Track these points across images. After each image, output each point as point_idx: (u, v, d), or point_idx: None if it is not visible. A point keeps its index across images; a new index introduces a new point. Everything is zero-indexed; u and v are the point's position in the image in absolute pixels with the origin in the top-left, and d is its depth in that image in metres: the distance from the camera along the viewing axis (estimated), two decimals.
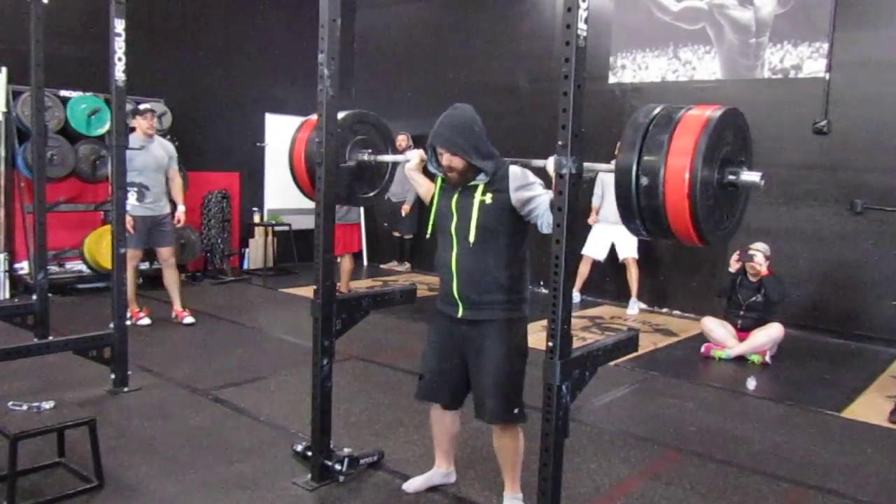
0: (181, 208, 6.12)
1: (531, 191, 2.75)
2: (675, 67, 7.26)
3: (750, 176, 2.26)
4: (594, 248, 7.27)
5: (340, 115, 3.25)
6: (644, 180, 2.15)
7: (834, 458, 3.82)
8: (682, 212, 2.13)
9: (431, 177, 3.07)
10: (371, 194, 3.66)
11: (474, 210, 2.80)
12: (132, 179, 5.72)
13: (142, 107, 5.97)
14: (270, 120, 9.24)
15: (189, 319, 6.12)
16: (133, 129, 5.93)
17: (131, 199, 5.68)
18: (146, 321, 5.98)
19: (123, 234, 4.43)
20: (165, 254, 6.08)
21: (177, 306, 6.15)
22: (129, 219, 5.50)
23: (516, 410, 2.84)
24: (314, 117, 3.22)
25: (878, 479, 3.59)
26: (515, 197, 2.76)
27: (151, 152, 5.88)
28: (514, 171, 2.80)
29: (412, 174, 3.13)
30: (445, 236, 2.91)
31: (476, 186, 2.81)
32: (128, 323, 4.65)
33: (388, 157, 3.51)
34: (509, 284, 2.83)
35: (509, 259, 2.83)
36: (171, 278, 6.14)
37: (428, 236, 3.02)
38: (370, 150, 3.47)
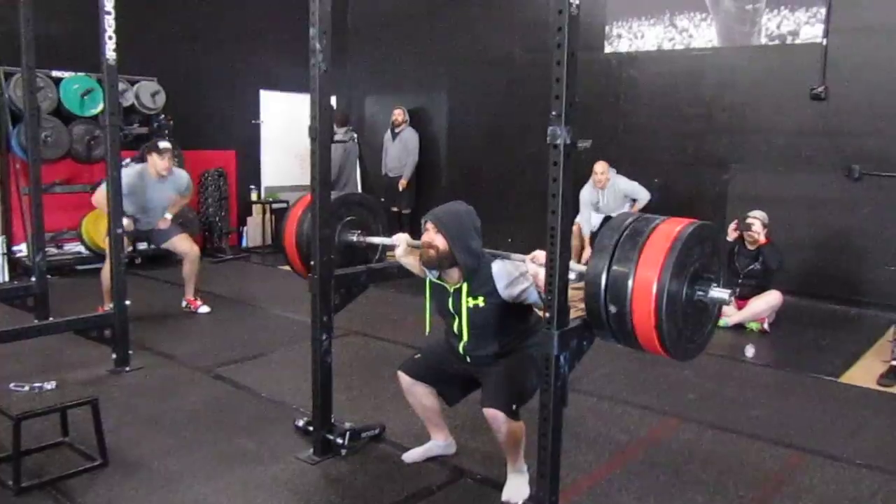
0: (168, 216, 5.63)
1: (519, 285, 2.85)
2: (672, 35, 7.18)
3: (718, 293, 2.32)
4: (584, 219, 7.19)
5: None
6: (612, 308, 2.25)
7: (832, 423, 3.85)
8: (651, 339, 2.25)
9: None
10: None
11: (465, 315, 2.92)
12: (126, 209, 5.02)
13: (161, 144, 5.52)
14: (265, 96, 9.18)
15: (204, 309, 5.80)
16: (143, 159, 5.57)
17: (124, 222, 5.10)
18: None
19: (120, 215, 4.42)
20: (177, 243, 5.72)
21: (189, 295, 5.85)
22: (126, 221, 5.02)
23: (515, 406, 2.83)
24: (307, 196, 3.29)
25: (876, 442, 3.62)
26: (506, 294, 2.88)
27: (160, 192, 5.52)
28: (497, 270, 2.88)
29: (403, 260, 3.28)
30: (449, 330, 3.04)
31: (461, 289, 2.91)
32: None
33: (377, 240, 3.59)
34: (522, 346, 2.95)
35: (517, 330, 2.96)
36: (189, 270, 5.76)
37: (427, 333, 3.11)
38: (360, 231, 3.57)
